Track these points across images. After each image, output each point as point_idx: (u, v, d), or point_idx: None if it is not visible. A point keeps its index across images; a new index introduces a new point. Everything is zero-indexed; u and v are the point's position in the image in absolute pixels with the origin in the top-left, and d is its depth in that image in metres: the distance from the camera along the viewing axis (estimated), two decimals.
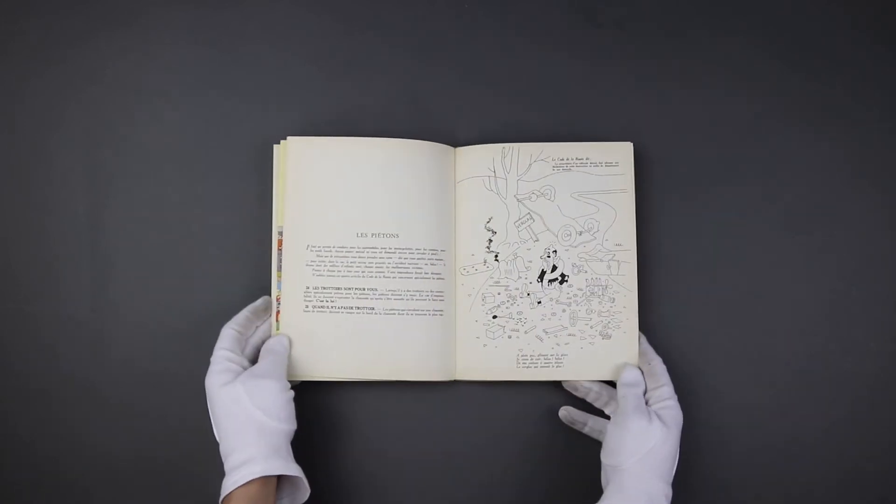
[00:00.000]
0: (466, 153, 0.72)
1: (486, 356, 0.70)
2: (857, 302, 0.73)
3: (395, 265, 0.70)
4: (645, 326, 0.71)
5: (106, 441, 0.72)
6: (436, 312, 0.70)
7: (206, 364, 0.64)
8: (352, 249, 0.70)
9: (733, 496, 0.72)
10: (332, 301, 0.69)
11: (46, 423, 0.72)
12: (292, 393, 0.65)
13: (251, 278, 0.72)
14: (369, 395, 0.72)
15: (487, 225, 0.71)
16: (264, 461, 0.60)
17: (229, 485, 0.60)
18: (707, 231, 0.73)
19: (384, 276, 0.69)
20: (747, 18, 0.75)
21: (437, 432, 0.72)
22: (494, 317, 0.70)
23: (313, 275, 0.69)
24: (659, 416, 0.65)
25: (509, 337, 0.70)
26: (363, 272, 0.69)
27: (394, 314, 0.69)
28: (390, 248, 0.70)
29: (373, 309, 0.69)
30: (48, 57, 0.74)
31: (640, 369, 0.68)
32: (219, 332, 0.66)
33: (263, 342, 0.69)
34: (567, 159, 0.71)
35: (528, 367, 0.70)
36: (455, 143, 0.73)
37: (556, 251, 0.71)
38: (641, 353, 0.69)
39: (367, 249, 0.70)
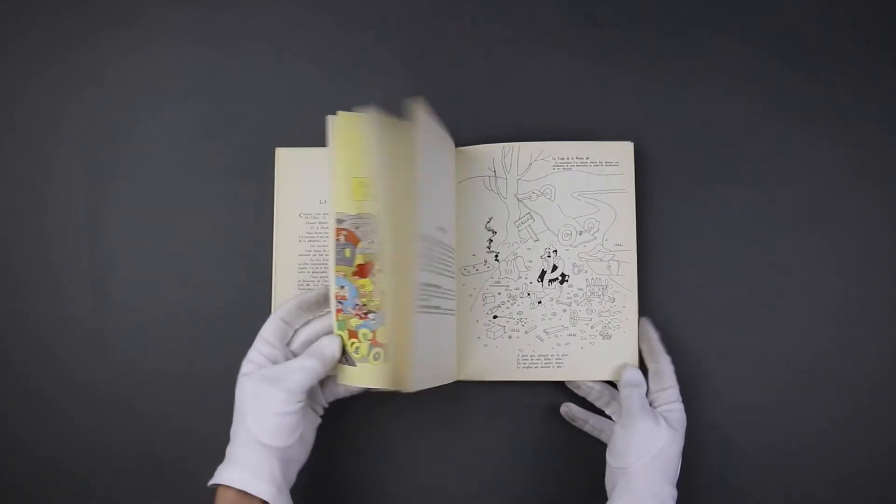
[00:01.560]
0: (466, 153, 0.72)
1: (486, 356, 0.70)
2: (857, 302, 0.73)
3: (447, 261, 0.66)
4: None
5: (106, 441, 0.72)
6: (453, 311, 0.70)
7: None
8: (439, 244, 0.64)
9: (733, 496, 0.72)
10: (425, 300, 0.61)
11: (46, 422, 0.72)
12: (299, 406, 0.59)
13: (251, 279, 0.72)
14: (369, 394, 0.72)
15: (488, 225, 0.71)
16: (238, 470, 0.58)
17: (213, 478, 0.59)
18: (707, 231, 0.73)
19: (443, 274, 0.64)
20: (747, 18, 0.75)
21: (438, 432, 0.72)
22: (495, 317, 0.70)
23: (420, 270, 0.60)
24: (665, 418, 0.65)
25: (509, 337, 0.70)
26: (434, 268, 0.63)
27: (451, 313, 0.67)
28: (446, 244, 0.65)
29: (438, 308, 0.64)
30: (48, 57, 0.74)
31: (640, 370, 0.68)
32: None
33: (311, 339, 0.63)
34: (567, 159, 0.71)
35: (528, 367, 0.70)
36: (455, 143, 0.73)
37: (556, 251, 0.71)
38: (651, 351, 0.69)
39: (439, 244, 0.63)
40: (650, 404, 0.66)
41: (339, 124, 0.61)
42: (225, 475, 0.59)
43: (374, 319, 0.61)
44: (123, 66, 0.74)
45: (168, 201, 0.73)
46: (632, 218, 0.70)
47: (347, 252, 0.61)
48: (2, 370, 0.72)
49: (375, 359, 0.61)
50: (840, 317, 0.73)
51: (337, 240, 0.61)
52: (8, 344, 0.72)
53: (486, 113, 0.74)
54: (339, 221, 0.61)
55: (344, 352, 0.61)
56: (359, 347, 0.61)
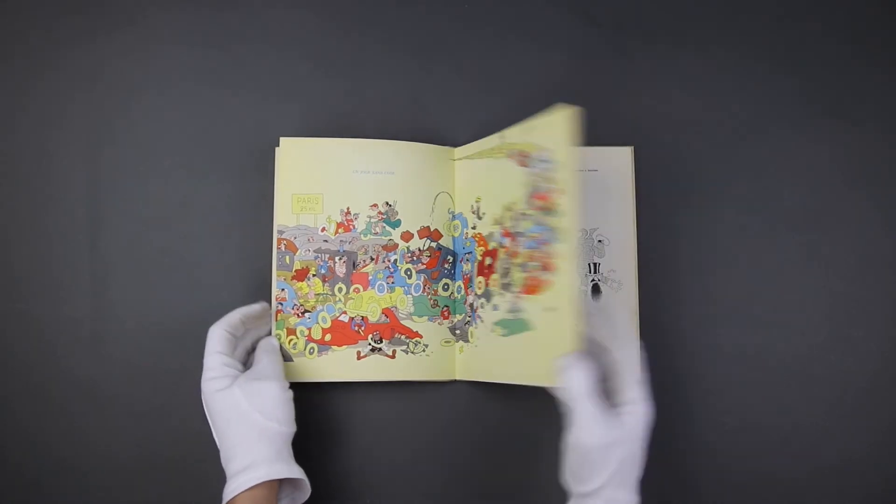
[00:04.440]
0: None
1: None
2: (857, 302, 0.73)
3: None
4: (645, 326, 0.71)
5: (106, 441, 0.72)
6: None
7: None
8: None
9: (733, 496, 0.72)
10: None
11: (46, 422, 0.72)
12: (291, 393, 0.64)
13: (251, 278, 0.72)
14: (369, 395, 0.72)
15: None
16: (267, 465, 0.60)
17: (232, 490, 0.59)
18: (706, 231, 0.73)
19: None
20: (747, 19, 0.75)
21: (437, 432, 0.72)
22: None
23: None
24: (622, 421, 0.58)
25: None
26: None
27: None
28: None
29: None
30: (48, 57, 0.74)
31: (579, 367, 0.58)
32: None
33: (253, 344, 0.68)
34: None
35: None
36: (455, 144, 0.73)
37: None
38: (614, 335, 0.60)
39: None
40: (612, 403, 0.59)
41: (284, 148, 0.69)
42: (254, 474, 0.59)
43: (309, 318, 0.68)
44: (123, 66, 0.74)
45: (168, 201, 0.73)
46: (632, 218, 0.70)
47: (287, 259, 0.68)
48: (2, 370, 0.72)
49: (311, 353, 0.68)
50: (839, 317, 0.73)
51: (278, 248, 0.68)
52: (8, 344, 0.72)
53: (485, 114, 0.74)
54: (280, 232, 0.68)
55: (281, 349, 0.68)
56: (296, 343, 0.68)
